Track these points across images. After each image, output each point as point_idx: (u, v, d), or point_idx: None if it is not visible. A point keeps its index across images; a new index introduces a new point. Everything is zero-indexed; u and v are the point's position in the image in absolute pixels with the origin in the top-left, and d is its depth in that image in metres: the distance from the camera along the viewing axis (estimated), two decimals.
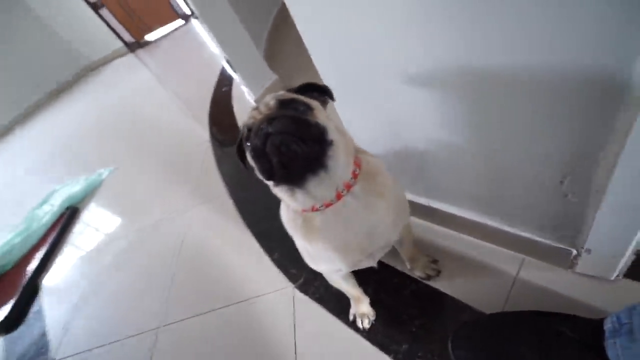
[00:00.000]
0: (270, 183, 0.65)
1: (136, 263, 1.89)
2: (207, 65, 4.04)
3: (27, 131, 5.42)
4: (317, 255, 0.79)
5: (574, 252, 0.85)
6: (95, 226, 2.39)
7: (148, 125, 3.53)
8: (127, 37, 6.69)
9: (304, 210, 0.69)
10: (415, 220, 1.22)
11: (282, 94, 0.67)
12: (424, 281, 1.08)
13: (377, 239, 0.76)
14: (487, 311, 0.93)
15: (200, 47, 4.87)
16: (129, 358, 1.39)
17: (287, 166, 0.58)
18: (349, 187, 0.67)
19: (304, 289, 1.27)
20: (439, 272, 1.07)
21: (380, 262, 1.05)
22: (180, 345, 1.33)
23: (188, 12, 6.34)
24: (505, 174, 0.82)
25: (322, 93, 0.73)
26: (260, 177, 0.63)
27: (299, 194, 0.64)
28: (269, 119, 0.57)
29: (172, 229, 1.94)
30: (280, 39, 3.09)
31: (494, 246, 1.05)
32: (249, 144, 0.62)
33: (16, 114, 6.07)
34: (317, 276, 1.27)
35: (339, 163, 0.63)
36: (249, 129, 0.62)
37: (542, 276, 0.95)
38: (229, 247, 1.63)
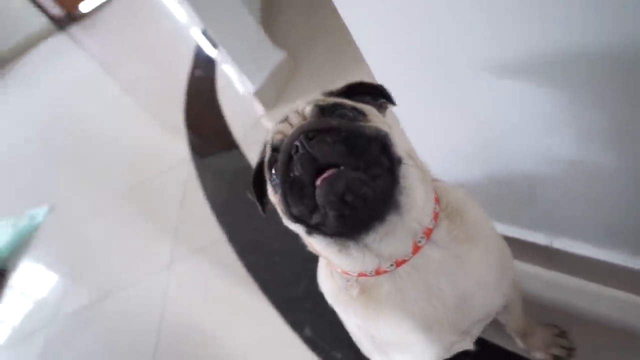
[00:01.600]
0: (299, 230, 0.61)
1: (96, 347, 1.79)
2: (172, 43, 3.74)
3: None
4: (386, 342, 0.73)
5: None
6: (28, 295, 2.28)
7: (95, 138, 3.26)
8: (55, 10, 6.62)
9: (362, 275, 0.64)
10: (521, 268, 1.16)
11: (321, 98, 0.63)
12: None
13: (474, 308, 0.71)
14: None
15: (160, 15, 4.53)
16: None
17: (348, 215, 0.54)
18: (428, 233, 0.62)
19: None
20: (571, 351, 1.01)
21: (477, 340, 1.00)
22: None
23: None
24: None
25: (377, 96, 0.70)
26: (291, 224, 0.59)
27: (355, 250, 0.60)
28: (306, 132, 0.54)
29: (143, 298, 1.76)
30: (277, 11, 2.94)
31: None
32: (274, 173, 0.59)
33: None
34: None
35: (416, 198, 0.59)
36: (275, 149, 0.59)
37: None
38: (234, 323, 1.51)
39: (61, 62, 5.39)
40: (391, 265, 0.62)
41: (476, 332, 0.81)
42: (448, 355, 0.78)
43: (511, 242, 0.85)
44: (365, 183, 0.54)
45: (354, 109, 0.63)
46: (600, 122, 0.72)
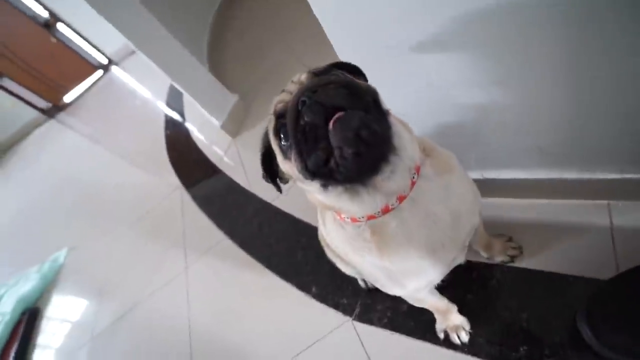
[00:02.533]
0: (314, 186, 0.50)
1: (135, 353, 1.59)
2: (145, 110, 3.69)
3: None
4: (402, 272, 0.64)
5: None
6: (64, 320, 2.04)
7: (98, 188, 3.11)
8: (42, 104, 6.01)
9: (370, 217, 0.55)
10: None
11: (313, 68, 0.53)
12: (508, 265, 0.95)
13: (464, 224, 0.64)
14: (602, 276, 0.80)
15: (130, 93, 4.49)
16: None
17: (363, 153, 0.44)
18: (418, 170, 0.55)
19: (365, 318, 1.09)
20: (521, 250, 0.96)
21: None
22: None
23: (104, 60, 5.88)
24: (587, 108, 0.72)
25: (352, 73, 0.58)
26: (307, 182, 0.49)
27: (366, 193, 0.50)
28: (309, 89, 0.44)
29: (171, 300, 1.67)
30: (223, 59, 2.84)
31: (570, 201, 0.94)
32: (283, 137, 0.49)
33: None
34: (377, 298, 1.08)
35: (406, 140, 0.52)
36: (280, 116, 0.49)
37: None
38: (254, 298, 1.41)
39: (54, 142, 5.11)
40: (395, 201, 0.53)
41: (466, 247, 0.73)
42: (448, 270, 0.70)
43: None
44: (373, 121, 0.44)
45: (344, 74, 0.52)
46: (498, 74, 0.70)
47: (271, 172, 0.58)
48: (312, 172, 0.46)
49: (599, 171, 0.84)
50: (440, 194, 0.59)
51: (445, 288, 0.95)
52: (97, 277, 2.16)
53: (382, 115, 0.48)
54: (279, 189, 0.60)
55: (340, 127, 0.42)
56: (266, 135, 0.55)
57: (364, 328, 1.07)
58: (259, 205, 1.68)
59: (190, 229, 1.92)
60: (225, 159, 2.14)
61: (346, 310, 1.12)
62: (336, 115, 0.42)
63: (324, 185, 0.48)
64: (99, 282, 2.11)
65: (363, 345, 1.04)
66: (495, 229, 1.00)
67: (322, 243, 0.93)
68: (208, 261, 1.67)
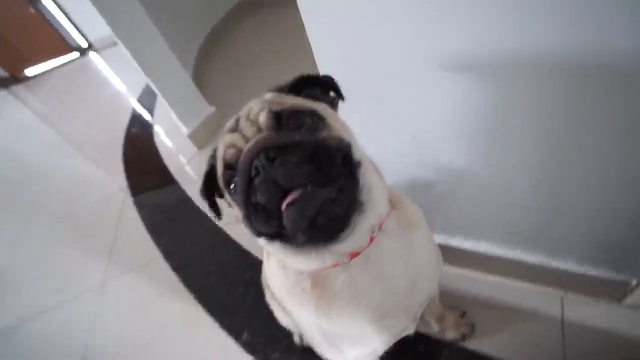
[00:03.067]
0: (263, 241, 0.44)
1: None
2: (113, 103, 3.45)
3: None
4: (342, 336, 0.56)
5: (634, 281, 0.76)
6: None
7: (33, 172, 2.75)
8: None
9: (316, 271, 0.49)
10: None
11: (274, 100, 0.45)
12: (458, 342, 0.89)
13: (421, 290, 0.57)
14: None
15: (102, 82, 4.20)
16: None
17: (318, 229, 0.39)
18: (380, 224, 0.48)
19: None
20: (473, 328, 0.91)
21: None
22: None
23: (84, 44, 5.60)
24: (559, 200, 0.71)
25: (327, 89, 0.52)
26: (252, 233, 0.42)
27: (314, 252, 0.44)
28: (266, 151, 0.37)
29: (74, 316, 1.44)
30: (210, 68, 2.76)
31: (528, 285, 0.93)
32: (233, 188, 0.42)
33: None
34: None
35: (376, 194, 0.46)
36: (228, 167, 0.42)
37: (591, 313, 0.83)
38: (173, 335, 1.22)
39: (1, 113, 4.45)
40: (347, 257, 0.46)
41: (418, 318, 0.64)
42: (395, 341, 0.61)
43: None
44: (334, 202, 0.38)
45: (312, 113, 0.43)
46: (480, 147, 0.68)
47: (212, 193, 0.51)
48: (260, 233, 0.42)
49: (560, 260, 0.83)
50: (399, 252, 0.52)
51: None
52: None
53: (350, 177, 0.41)
54: (218, 214, 0.53)
55: (294, 213, 0.36)
56: (213, 156, 0.49)
57: None
58: (208, 226, 1.52)
59: (122, 240, 1.71)
60: (187, 168, 2.00)
61: None
62: (290, 197, 0.36)
63: (270, 241, 0.43)
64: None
65: None
66: (451, 300, 0.95)
67: (264, 283, 0.82)
68: (131, 280, 1.47)
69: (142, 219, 1.76)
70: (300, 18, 0.62)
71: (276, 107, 0.42)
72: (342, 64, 0.69)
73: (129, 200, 1.94)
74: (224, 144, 0.43)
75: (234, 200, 0.44)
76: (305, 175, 0.36)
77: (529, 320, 0.87)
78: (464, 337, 0.89)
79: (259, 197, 0.37)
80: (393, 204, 0.54)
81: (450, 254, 0.97)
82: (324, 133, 0.42)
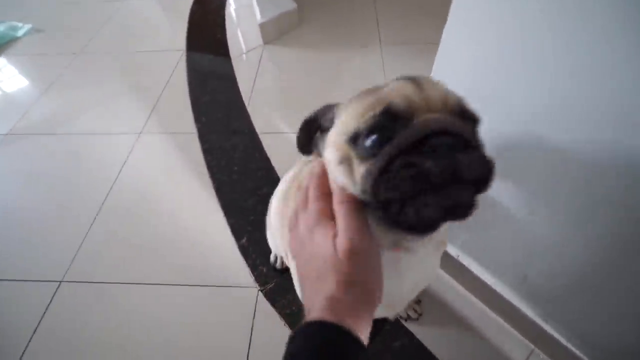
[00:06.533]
0: (356, 188, 0.38)
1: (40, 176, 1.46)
2: None
3: None
4: None
5: None
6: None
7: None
8: None
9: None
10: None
11: (458, 97, 0.38)
12: (402, 320, 0.98)
13: (416, 291, 0.61)
14: None
15: None
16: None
17: (429, 220, 0.34)
18: None
19: (271, 297, 1.06)
20: (420, 316, 0.98)
21: None
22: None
23: None
24: (609, 287, 0.66)
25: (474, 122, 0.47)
26: (353, 185, 0.37)
27: (393, 233, 0.41)
28: (460, 137, 0.33)
29: (108, 150, 1.53)
30: None
31: (507, 326, 0.95)
32: (374, 140, 0.35)
33: None
34: (291, 286, 1.06)
35: None
36: (392, 115, 0.35)
37: None
38: (182, 209, 1.31)
39: None
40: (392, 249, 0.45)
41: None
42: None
43: None
44: (472, 206, 0.35)
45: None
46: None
47: (311, 131, 0.45)
48: (375, 193, 0.35)
49: (550, 325, 0.84)
50: (424, 261, 0.53)
51: None
52: (47, 73, 1.92)
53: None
54: (306, 152, 0.47)
55: (446, 199, 0.32)
56: (329, 107, 0.43)
57: (264, 305, 1.04)
58: (246, 129, 1.53)
59: (167, 100, 1.70)
60: (244, 57, 1.89)
61: (259, 279, 1.08)
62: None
63: (376, 202, 0.36)
64: (50, 81, 1.88)
65: (254, 318, 1.02)
66: (430, 298, 1.01)
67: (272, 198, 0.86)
68: (164, 142, 1.52)
69: (189, 87, 1.75)
70: None
71: (463, 103, 0.38)
72: None
73: (182, 63, 1.88)
74: (395, 88, 0.37)
75: (359, 149, 0.37)
76: (478, 178, 0.34)
77: (489, 350, 0.91)
78: (407, 318, 0.97)
79: (432, 165, 0.32)
80: None
81: (453, 266, 0.99)
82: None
